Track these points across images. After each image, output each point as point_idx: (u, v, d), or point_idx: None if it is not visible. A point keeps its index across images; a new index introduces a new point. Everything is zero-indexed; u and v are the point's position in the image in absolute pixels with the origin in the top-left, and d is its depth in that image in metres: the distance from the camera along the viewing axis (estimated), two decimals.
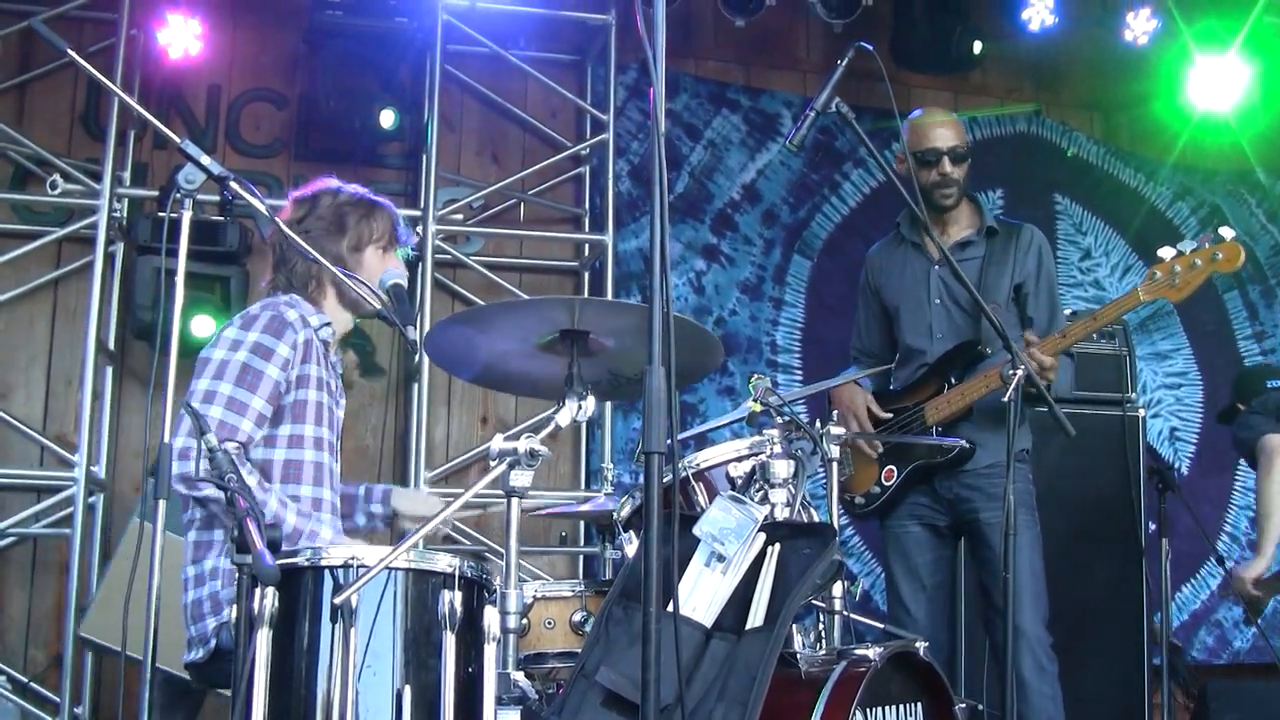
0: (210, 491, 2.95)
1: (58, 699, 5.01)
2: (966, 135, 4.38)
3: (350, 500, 3.62)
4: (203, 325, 5.17)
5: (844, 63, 3.51)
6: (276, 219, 3.09)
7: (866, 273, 4.58)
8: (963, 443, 4.05)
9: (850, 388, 4.35)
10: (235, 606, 2.44)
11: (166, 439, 2.77)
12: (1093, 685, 5.00)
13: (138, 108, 2.95)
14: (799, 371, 6.46)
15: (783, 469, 3.10)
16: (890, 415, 4.29)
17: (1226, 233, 3.83)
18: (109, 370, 5.55)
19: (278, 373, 3.15)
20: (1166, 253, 3.90)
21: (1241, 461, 5.45)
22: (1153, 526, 5.29)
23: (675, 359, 2.23)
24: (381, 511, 3.63)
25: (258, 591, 2.40)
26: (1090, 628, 5.08)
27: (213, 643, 3.07)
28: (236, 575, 2.41)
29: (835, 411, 4.05)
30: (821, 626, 3.21)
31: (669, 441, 2.15)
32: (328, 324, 3.34)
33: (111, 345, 5.53)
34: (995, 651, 4.23)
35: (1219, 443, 6.16)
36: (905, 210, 4.49)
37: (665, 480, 2.26)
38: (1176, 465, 6.72)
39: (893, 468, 4.28)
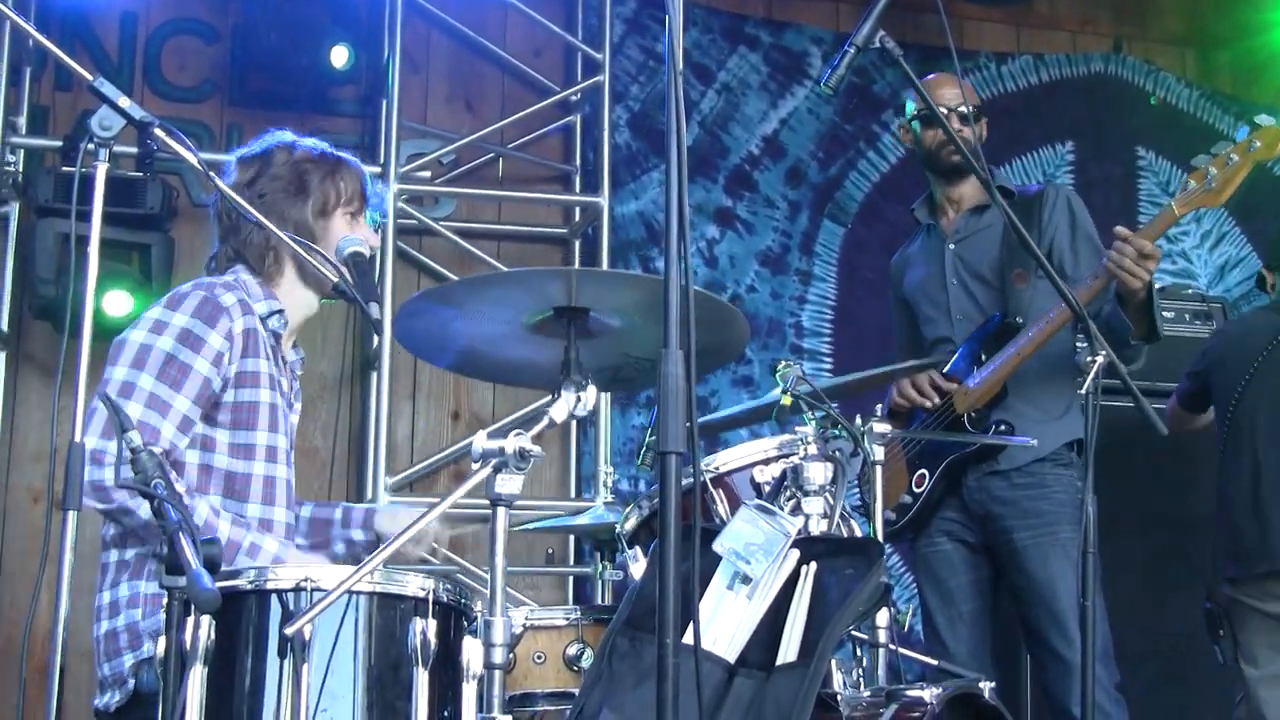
0: (127, 500, 2.93)
1: None
2: (978, 99, 4.62)
3: (325, 525, 3.60)
4: (117, 302, 5.16)
5: None
6: (213, 175, 3.05)
7: (893, 283, 4.81)
8: (1032, 441, 4.05)
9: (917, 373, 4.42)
10: (161, 639, 2.42)
11: (77, 438, 2.74)
12: None
13: (38, 36, 2.90)
14: (828, 359, 6.45)
15: (819, 473, 3.08)
16: (954, 386, 4.32)
17: (1264, 119, 4.04)
18: (1, 355, 5.53)
19: (208, 368, 3.12)
20: (1201, 159, 4.08)
21: None
22: None
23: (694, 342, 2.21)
24: (364, 538, 3.58)
25: (189, 621, 2.38)
26: (1179, 669, 5.06)
27: (130, 684, 3.05)
28: (165, 601, 2.39)
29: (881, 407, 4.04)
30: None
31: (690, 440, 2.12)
32: (278, 311, 3.31)
33: (5, 325, 5.50)
34: (1047, 693, 4.25)
35: None
36: (922, 197, 4.71)
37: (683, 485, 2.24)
38: None
39: (924, 471, 4.33)
